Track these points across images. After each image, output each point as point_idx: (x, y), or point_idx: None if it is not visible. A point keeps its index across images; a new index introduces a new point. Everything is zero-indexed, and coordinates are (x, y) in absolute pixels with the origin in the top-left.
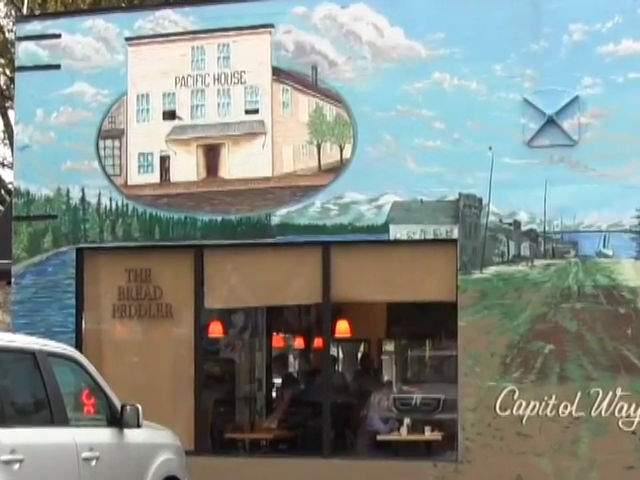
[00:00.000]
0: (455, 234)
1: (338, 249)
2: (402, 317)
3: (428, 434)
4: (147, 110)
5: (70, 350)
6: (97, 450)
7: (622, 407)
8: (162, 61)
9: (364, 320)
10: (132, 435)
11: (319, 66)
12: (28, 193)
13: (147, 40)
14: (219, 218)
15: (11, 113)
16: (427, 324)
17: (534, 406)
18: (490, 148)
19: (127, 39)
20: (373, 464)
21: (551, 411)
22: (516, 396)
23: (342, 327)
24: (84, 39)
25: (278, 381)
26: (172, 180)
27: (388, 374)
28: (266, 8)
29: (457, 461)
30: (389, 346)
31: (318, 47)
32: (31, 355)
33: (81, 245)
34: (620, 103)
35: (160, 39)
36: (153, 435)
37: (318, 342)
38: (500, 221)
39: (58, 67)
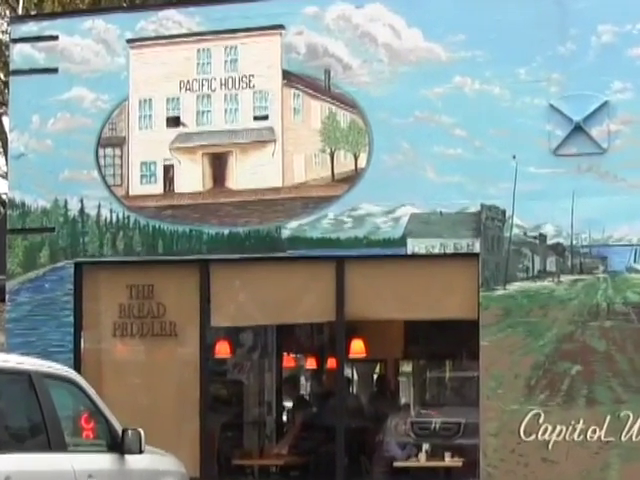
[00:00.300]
0: (477, 248)
1: (353, 264)
2: (420, 336)
3: (448, 460)
4: (150, 116)
5: (68, 371)
6: (97, 477)
7: None
8: (166, 64)
9: (380, 339)
10: (134, 461)
11: (332, 70)
12: (24, 204)
13: (150, 42)
14: (226, 231)
15: (5, 120)
16: (447, 343)
17: (561, 431)
18: (514, 157)
19: (128, 41)
20: None
21: (579, 436)
22: (541, 420)
23: (357, 347)
24: (83, 41)
25: (289, 404)
26: (176, 191)
27: (405, 397)
28: (276, 8)
29: None
30: (407, 367)
31: (331, 49)
32: (27, 376)
33: (80, 260)
34: None
35: (163, 41)
36: (156, 461)
37: (331, 363)
38: (524, 234)
39: (55, 71)
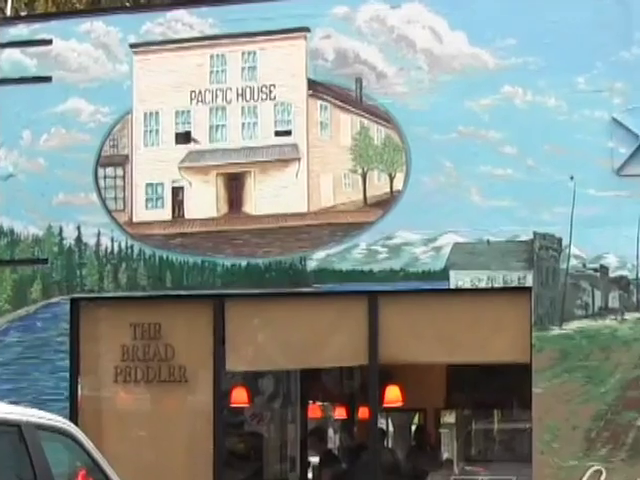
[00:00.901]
0: (529, 282)
1: (387, 300)
2: (465, 382)
3: None
4: (156, 132)
5: (63, 422)
6: None
7: None
8: (174, 73)
9: (419, 386)
10: None
11: (364, 78)
12: (12, 232)
13: (156, 47)
14: (244, 262)
15: None
16: (495, 390)
17: None
18: (572, 178)
19: (132, 46)
20: None
21: None
22: (603, 478)
23: (392, 394)
24: (80, 46)
25: (315, 460)
26: (187, 216)
27: (448, 451)
28: (300, 8)
29: None
30: (449, 417)
31: (363, 55)
32: (16, 428)
33: (77, 295)
34: None
35: (172, 46)
36: None
37: (363, 412)
38: (584, 266)
39: (49, 80)
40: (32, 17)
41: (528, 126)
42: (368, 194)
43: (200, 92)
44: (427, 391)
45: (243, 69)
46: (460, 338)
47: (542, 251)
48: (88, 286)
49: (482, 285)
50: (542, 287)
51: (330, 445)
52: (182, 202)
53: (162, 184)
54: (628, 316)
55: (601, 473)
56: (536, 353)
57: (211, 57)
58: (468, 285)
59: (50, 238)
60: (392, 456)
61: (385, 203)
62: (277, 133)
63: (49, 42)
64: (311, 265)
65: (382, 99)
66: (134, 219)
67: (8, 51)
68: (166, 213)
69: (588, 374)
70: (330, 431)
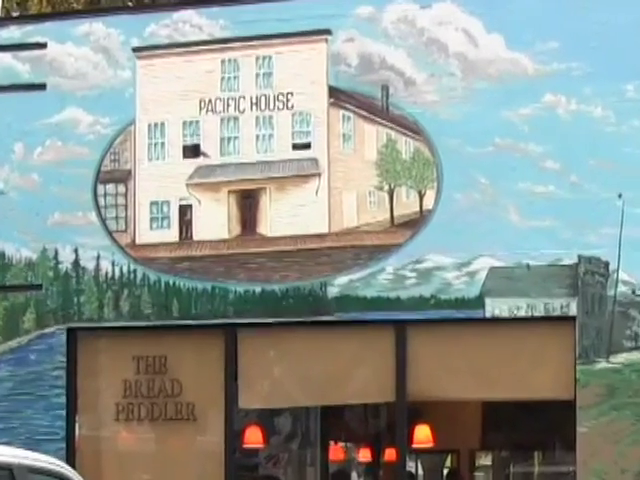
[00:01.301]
0: (573, 310)
1: (417, 330)
2: (502, 421)
3: None
4: (162, 144)
5: (59, 465)
6: None
7: None
8: (182, 79)
9: (451, 425)
10: None
11: (391, 85)
12: (3, 255)
13: (162, 51)
14: (258, 289)
15: None
16: (535, 430)
17: None
18: (620, 195)
19: (135, 50)
20: None
21: None
22: None
23: (422, 434)
24: (78, 50)
25: None
26: (195, 238)
27: None
28: (321, 9)
29: None
30: (485, 459)
31: (390, 60)
32: (7, 472)
33: (74, 325)
34: None
35: (179, 50)
36: None
37: (390, 454)
38: (633, 292)
39: (43, 87)
40: (25, 18)
41: (572, 138)
42: (395, 213)
43: (210, 101)
44: (460, 431)
45: (257, 75)
46: (497, 372)
47: (587, 276)
48: (87, 315)
49: (521, 314)
50: (587, 316)
51: None
52: (190, 222)
53: (168, 202)
54: None
55: None
56: (581, 389)
57: (222, 62)
58: (505, 314)
59: (45, 262)
60: None
61: (414, 223)
62: (295, 146)
63: (43, 46)
64: (332, 291)
65: (411, 108)
66: (137, 241)
67: None
68: (173, 234)
69: (638, 412)
70: (353, 475)
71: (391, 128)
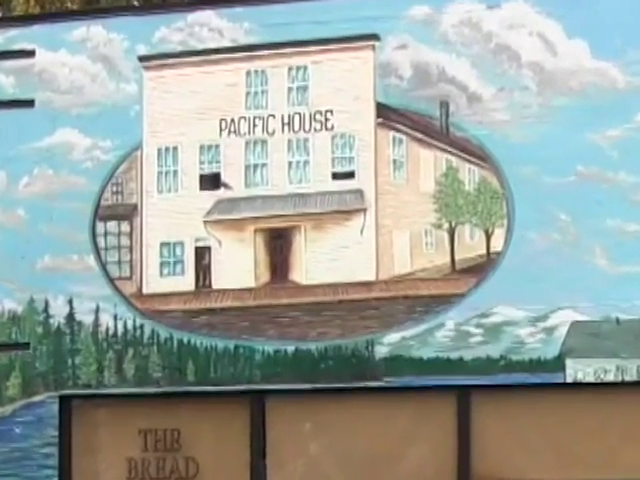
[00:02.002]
0: None
1: (483, 398)
2: None
3: None
4: (174, 173)
5: None
6: None
7: None
8: (198, 95)
9: None
10: None
11: (452, 102)
12: None
13: (174, 60)
14: (291, 348)
15: None
16: None
17: None
18: None
19: (142, 59)
20: None
21: None
22: None
23: None
24: (73, 58)
25: None
26: (215, 287)
27: None
28: (367, 9)
29: None
30: None
31: (451, 71)
32: None
33: (68, 392)
34: None
35: (195, 59)
36: None
37: None
38: None
39: (31, 104)
40: (8, 20)
41: None
42: (457, 257)
43: (233, 120)
44: None
45: (290, 90)
46: (580, 448)
47: None
48: (83, 380)
49: (609, 378)
50: None
51: None
52: (209, 267)
53: (182, 243)
54: None
55: None
56: None
57: (247, 74)
58: (591, 378)
59: (32, 315)
60: None
61: (480, 269)
62: (335, 175)
63: (31, 54)
64: (381, 351)
65: (476, 129)
66: (145, 290)
67: None
68: (187, 282)
69: None
70: None
71: (452, 153)
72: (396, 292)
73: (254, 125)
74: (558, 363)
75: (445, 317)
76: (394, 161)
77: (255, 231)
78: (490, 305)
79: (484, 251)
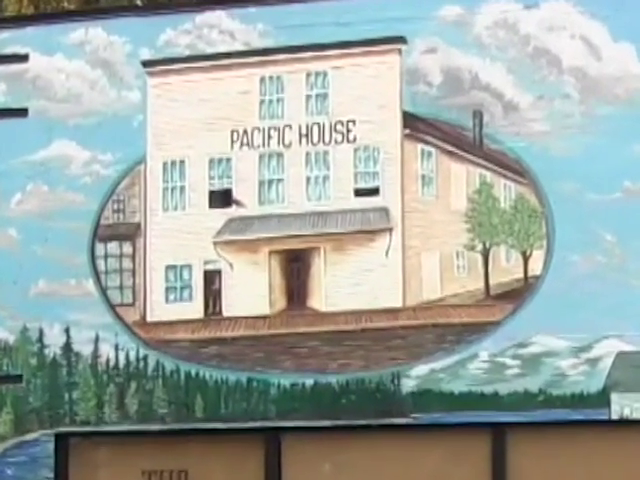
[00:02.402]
0: None
1: (520, 435)
2: None
3: None
4: (181, 190)
5: None
6: None
7: None
8: (208, 103)
9: None
10: None
11: (486, 111)
12: None
13: (181, 66)
14: (309, 381)
15: None
16: None
17: None
18: None
19: (146, 64)
20: None
21: None
22: None
23: None
24: (70, 64)
25: None
26: (226, 314)
27: None
28: (393, 9)
29: None
30: None
31: (485, 78)
32: None
33: (64, 429)
34: None
35: (204, 64)
36: None
37: None
38: None
39: (24, 113)
40: None
41: None
42: (491, 281)
43: (245, 132)
44: None
45: (308, 98)
46: None
47: None
48: (81, 416)
49: None
50: None
51: None
52: (219, 293)
53: (189, 267)
54: None
55: None
56: None
57: (261, 80)
58: (639, 414)
59: (25, 346)
60: None
61: (516, 294)
62: (358, 192)
63: (24, 58)
64: (408, 385)
65: (512, 141)
66: (149, 318)
67: None
68: (196, 309)
69: None
70: None
71: (486, 168)
72: (425, 320)
73: (269, 137)
74: (602, 398)
75: (478, 347)
76: (422, 176)
77: (270, 253)
78: (528, 334)
79: (521, 275)
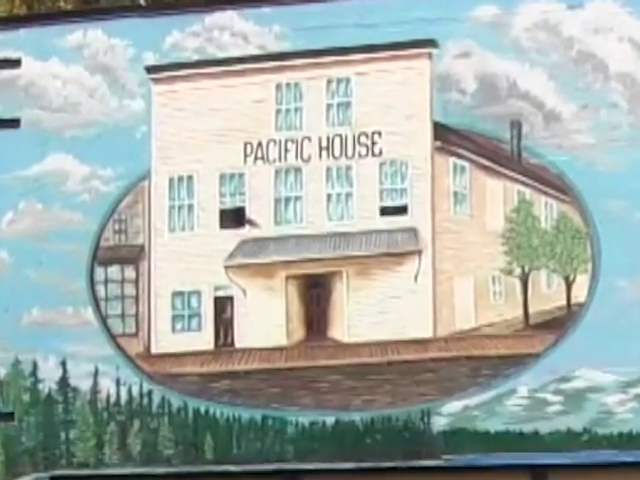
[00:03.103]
0: None
1: (562, 478)
2: None
3: None
4: (189, 208)
5: None
6: None
7: None
8: (219, 113)
9: None
10: None
11: (525, 122)
12: None
13: (189, 71)
14: (330, 420)
15: None
16: None
17: None
18: None
19: (151, 69)
20: None
21: None
22: None
23: None
24: (66, 70)
25: None
26: (238, 345)
27: None
28: (423, 9)
29: None
30: None
31: (523, 85)
32: None
33: (61, 472)
34: None
35: (214, 70)
36: None
37: None
38: None
39: (16, 124)
40: None
41: None
42: (531, 309)
43: (260, 144)
44: None
45: (329, 107)
46: None
47: None
48: (79, 458)
49: None
50: None
51: None
52: (231, 322)
53: (198, 293)
54: None
55: None
56: None
57: (278, 88)
58: None
59: (18, 380)
60: None
61: (558, 324)
62: (384, 211)
63: (16, 63)
64: (440, 423)
65: (554, 155)
66: (154, 349)
67: None
68: (205, 339)
69: None
70: None
71: (525, 184)
72: (457, 352)
73: (286, 150)
74: None
75: (517, 382)
76: (455, 193)
77: (287, 278)
78: (571, 367)
79: (564, 302)
